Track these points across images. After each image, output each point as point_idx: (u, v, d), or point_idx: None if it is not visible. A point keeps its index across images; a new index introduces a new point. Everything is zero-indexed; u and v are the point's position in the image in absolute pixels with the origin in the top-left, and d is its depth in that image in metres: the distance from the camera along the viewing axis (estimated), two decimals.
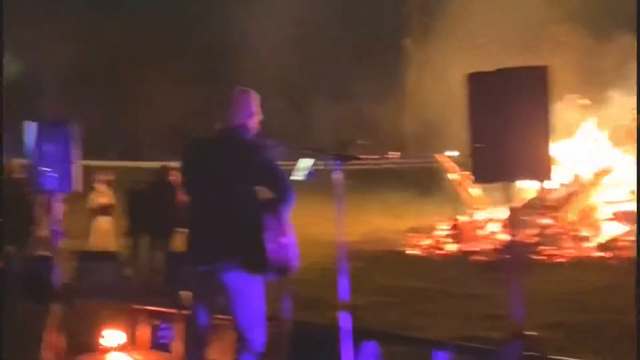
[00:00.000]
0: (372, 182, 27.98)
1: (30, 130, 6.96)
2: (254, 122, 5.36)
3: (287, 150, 5.81)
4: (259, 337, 5.23)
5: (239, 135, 5.25)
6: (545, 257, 15.89)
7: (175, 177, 12.07)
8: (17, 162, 9.28)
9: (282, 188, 5.16)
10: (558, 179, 18.29)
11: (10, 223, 9.18)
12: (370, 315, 9.23)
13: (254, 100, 5.40)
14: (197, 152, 5.41)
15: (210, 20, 53.63)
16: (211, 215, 5.17)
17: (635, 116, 15.51)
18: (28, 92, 55.09)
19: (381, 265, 15.21)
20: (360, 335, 5.65)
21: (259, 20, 51.47)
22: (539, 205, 18.26)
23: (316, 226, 13.36)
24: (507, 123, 5.28)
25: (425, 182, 24.20)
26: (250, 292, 5.17)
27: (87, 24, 57.13)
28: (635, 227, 15.33)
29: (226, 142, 5.26)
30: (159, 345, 7.38)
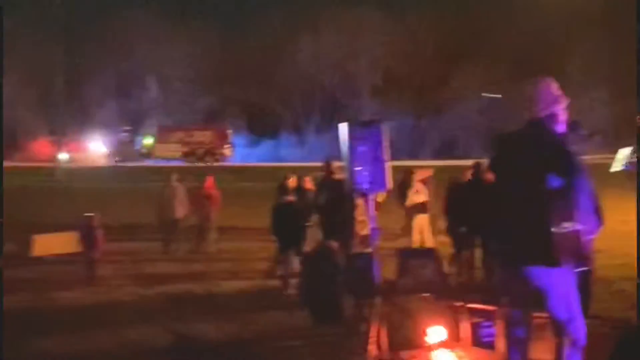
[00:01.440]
0: None
1: (343, 132, 7.22)
2: (561, 108, 5.16)
3: (605, 141, 5.48)
4: (578, 330, 4.95)
5: (543, 127, 5.09)
6: None
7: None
8: (337, 163, 9.70)
9: (575, 179, 4.92)
10: None
11: (333, 221, 9.63)
12: None
13: (553, 88, 5.20)
14: (503, 147, 5.35)
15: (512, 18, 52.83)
16: (515, 210, 5.06)
17: None
18: (344, 96, 58.18)
19: None
20: None
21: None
22: None
23: None
24: None
25: None
26: (556, 285, 4.96)
27: (400, 29, 58.98)
28: None
29: (530, 135, 5.13)
30: (482, 342, 7.27)
